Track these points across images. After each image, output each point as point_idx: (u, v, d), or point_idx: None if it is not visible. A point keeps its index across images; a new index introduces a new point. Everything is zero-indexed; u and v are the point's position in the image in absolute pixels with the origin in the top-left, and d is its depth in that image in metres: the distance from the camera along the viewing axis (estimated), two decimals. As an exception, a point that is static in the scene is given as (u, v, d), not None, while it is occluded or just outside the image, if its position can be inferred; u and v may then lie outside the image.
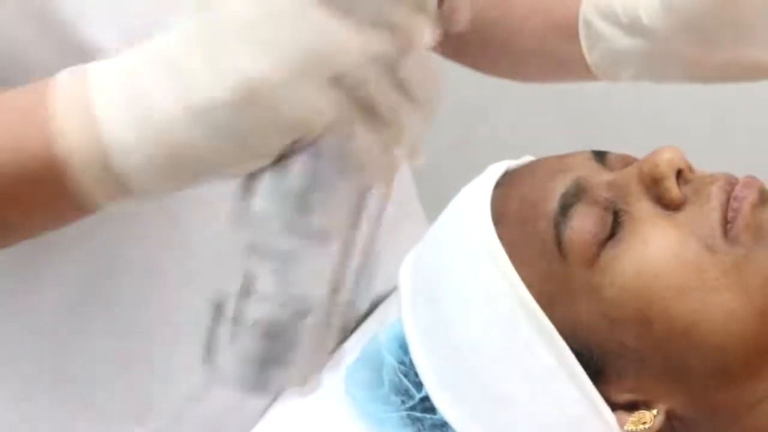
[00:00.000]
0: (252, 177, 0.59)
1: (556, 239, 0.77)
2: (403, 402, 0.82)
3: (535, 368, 0.77)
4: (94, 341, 0.85)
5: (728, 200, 0.77)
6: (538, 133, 1.70)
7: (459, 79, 1.28)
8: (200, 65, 0.57)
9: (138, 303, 0.85)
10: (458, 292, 0.80)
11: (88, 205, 0.61)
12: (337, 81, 0.56)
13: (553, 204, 0.78)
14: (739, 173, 0.81)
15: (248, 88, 0.56)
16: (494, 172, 0.85)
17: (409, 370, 0.82)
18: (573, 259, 0.77)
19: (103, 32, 0.74)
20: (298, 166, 0.58)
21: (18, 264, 0.81)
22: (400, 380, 0.82)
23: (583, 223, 0.77)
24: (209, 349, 0.60)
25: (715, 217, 0.77)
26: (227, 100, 0.56)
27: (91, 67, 0.61)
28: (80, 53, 0.70)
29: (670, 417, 0.77)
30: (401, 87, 0.58)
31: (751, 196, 0.77)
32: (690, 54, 0.85)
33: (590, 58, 0.91)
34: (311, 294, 0.59)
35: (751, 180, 0.78)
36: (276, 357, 0.60)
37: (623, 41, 0.88)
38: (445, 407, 0.80)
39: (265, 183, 0.59)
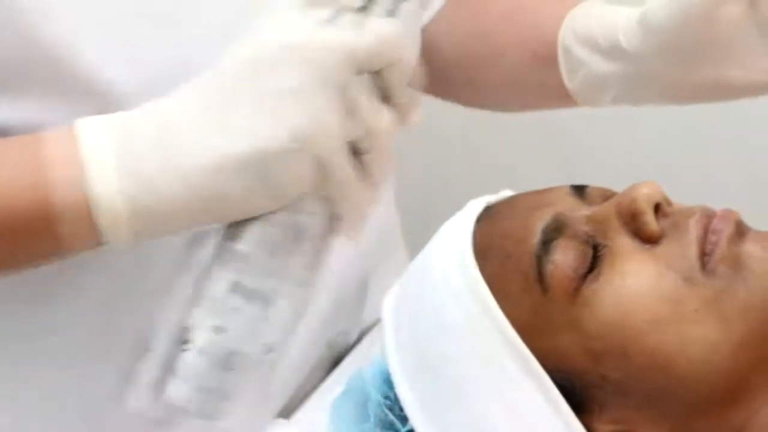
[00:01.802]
0: (236, 224, 0.65)
1: (537, 274, 0.78)
2: (388, 436, 0.83)
3: (518, 401, 0.78)
4: (108, 364, 0.85)
5: (706, 233, 0.78)
6: (516, 165, 1.71)
7: (437, 112, 1.30)
8: (246, 116, 0.63)
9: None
10: (441, 327, 0.81)
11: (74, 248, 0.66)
12: (320, 160, 0.64)
13: (534, 239, 0.79)
14: (715, 203, 0.82)
15: (296, 140, 0.63)
16: (474, 207, 0.86)
17: (394, 404, 0.82)
18: (555, 293, 0.78)
19: (92, 54, 0.75)
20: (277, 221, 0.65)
21: (33, 286, 0.82)
22: (386, 415, 0.82)
23: (564, 258, 0.78)
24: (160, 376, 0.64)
25: (692, 250, 0.78)
26: (274, 150, 0.63)
27: (105, 120, 0.66)
28: (71, 75, 0.72)
29: (651, 447, 0.78)
30: (363, 169, 0.66)
31: (728, 229, 0.78)
32: (669, 76, 0.86)
33: (570, 84, 0.92)
34: (272, 341, 0.65)
35: (728, 213, 0.80)
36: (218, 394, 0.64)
37: (603, 66, 0.89)
38: (430, 440, 0.81)
39: (250, 231, 0.64)
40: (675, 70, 0.86)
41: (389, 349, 0.84)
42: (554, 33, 0.93)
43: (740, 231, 0.79)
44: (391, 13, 0.67)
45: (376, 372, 0.84)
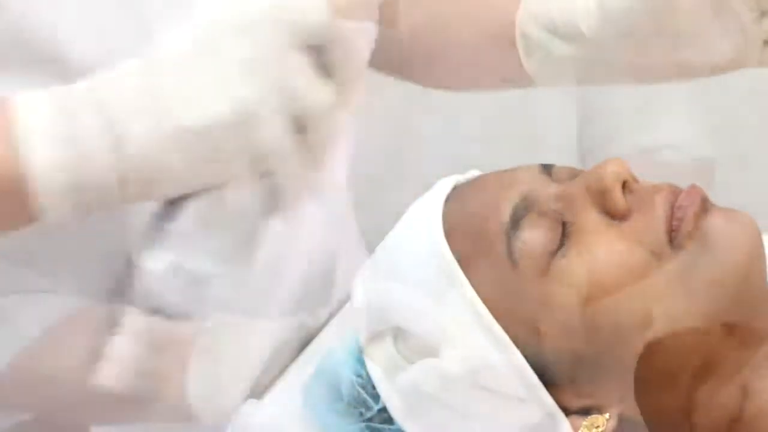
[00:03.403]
0: (173, 202, 0.63)
1: (507, 251, 0.79)
2: (361, 414, 0.83)
3: (489, 377, 0.79)
4: None
5: (672, 209, 0.80)
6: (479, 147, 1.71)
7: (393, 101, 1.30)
8: (189, 89, 0.62)
9: None
10: (413, 306, 0.82)
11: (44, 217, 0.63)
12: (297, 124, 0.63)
13: (504, 217, 0.80)
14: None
15: (239, 113, 0.61)
16: (444, 186, 0.87)
17: (366, 382, 0.83)
18: (524, 270, 0.79)
19: (80, 47, 0.75)
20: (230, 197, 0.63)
21: None
22: (359, 393, 0.83)
23: (533, 235, 0.79)
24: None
25: (660, 225, 0.79)
26: (217, 122, 0.61)
27: (62, 88, 0.63)
28: (55, 68, 0.71)
29: (622, 420, 0.79)
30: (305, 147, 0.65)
31: (694, 205, 0.80)
32: (628, 59, 0.87)
33: (529, 65, 0.93)
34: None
35: (694, 189, 0.81)
36: None
37: (562, 49, 0.90)
38: (402, 418, 0.82)
39: (186, 210, 0.63)
40: (633, 53, 0.87)
41: (361, 328, 0.84)
42: (512, 15, 0.94)
43: (705, 207, 0.80)
44: None
45: (347, 351, 0.85)
